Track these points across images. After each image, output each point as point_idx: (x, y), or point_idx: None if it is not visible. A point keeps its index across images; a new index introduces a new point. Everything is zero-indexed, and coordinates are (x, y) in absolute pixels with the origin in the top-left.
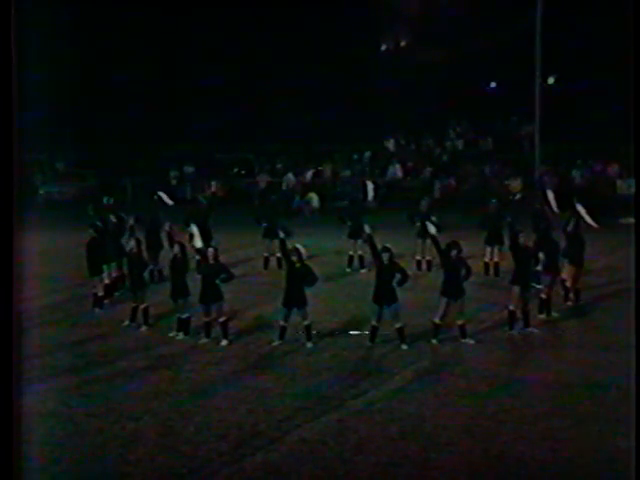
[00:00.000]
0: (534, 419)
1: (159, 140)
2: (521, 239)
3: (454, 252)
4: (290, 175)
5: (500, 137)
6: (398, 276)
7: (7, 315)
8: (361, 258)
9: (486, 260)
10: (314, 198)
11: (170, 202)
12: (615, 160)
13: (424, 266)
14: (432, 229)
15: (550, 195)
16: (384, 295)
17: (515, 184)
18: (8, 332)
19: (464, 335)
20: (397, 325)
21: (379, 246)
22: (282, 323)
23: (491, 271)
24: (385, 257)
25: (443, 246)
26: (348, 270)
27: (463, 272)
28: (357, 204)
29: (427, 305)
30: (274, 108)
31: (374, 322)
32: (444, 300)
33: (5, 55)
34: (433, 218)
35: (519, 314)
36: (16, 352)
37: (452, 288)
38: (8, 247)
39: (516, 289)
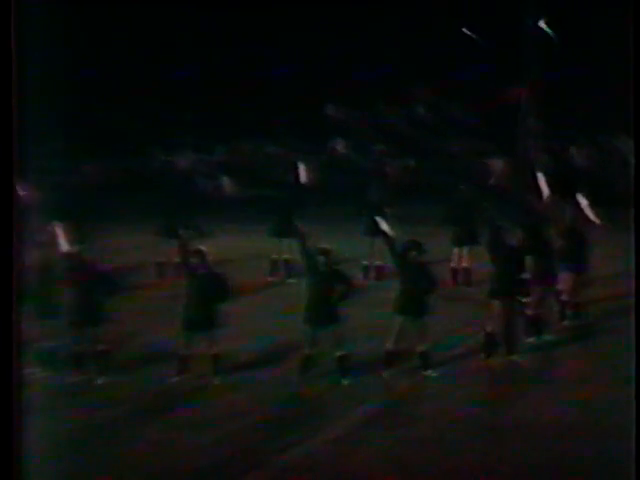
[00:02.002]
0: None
1: None
2: (502, 237)
3: (413, 255)
4: (190, 153)
5: (476, 101)
6: (339, 288)
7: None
8: (288, 263)
9: (453, 265)
10: (227, 182)
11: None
12: (626, 132)
13: (374, 273)
14: (384, 225)
15: (542, 179)
16: (320, 313)
17: (495, 164)
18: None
19: (427, 365)
20: (338, 353)
21: (314, 247)
22: (183, 352)
23: (461, 279)
24: (321, 262)
25: (399, 247)
26: (270, 279)
27: (425, 282)
28: (285, 190)
29: (378, 326)
30: None
31: (306, 349)
32: (400, 319)
33: (5, 55)
34: (386, 210)
35: (500, 337)
36: None
37: (410, 303)
38: (8, 248)
39: (496, 304)
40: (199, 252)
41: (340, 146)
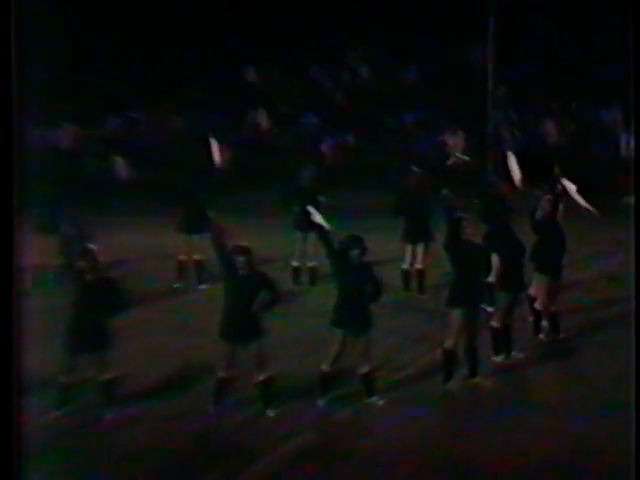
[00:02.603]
0: None
1: None
2: (463, 232)
3: (355, 254)
4: (69, 125)
5: (434, 67)
6: (263, 294)
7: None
8: (199, 265)
9: (405, 267)
10: (120, 162)
11: None
12: (613, 101)
13: (306, 277)
14: (318, 217)
15: (512, 160)
16: (239, 326)
17: (455, 142)
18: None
19: (372, 391)
20: (261, 376)
21: (231, 245)
22: (65, 379)
23: (414, 285)
24: (240, 264)
25: (337, 244)
26: (177, 285)
27: (369, 288)
28: (196, 174)
29: (311, 342)
30: None
31: (222, 372)
32: (339, 334)
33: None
34: (321, 198)
35: (461, 355)
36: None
37: (352, 314)
38: (9, 247)
39: (456, 314)
40: (87, 252)
41: (263, 119)
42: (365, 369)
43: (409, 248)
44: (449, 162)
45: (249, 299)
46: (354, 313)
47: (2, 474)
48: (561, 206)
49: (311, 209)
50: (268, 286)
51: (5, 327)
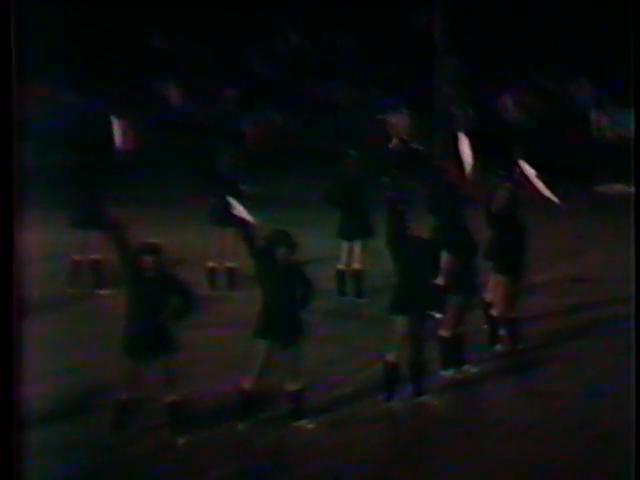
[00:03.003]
0: None
1: None
2: (408, 227)
3: (281, 252)
4: None
5: (374, 35)
6: (174, 301)
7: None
8: (98, 267)
9: (341, 267)
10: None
11: None
12: (583, 73)
13: (225, 279)
14: (239, 209)
15: (464, 143)
16: (144, 339)
17: (398, 121)
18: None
19: (301, 412)
20: (170, 397)
21: (136, 243)
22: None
23: (351, 288)
24: (147, 263)
25: (261, 241)
26: (73, 290)
27: (299, 291)
28: (93, 158)
29: (230, 356)
30: None
31: (125, 393)
32: (263, 346)
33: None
34: (242, 187)
35: (405, 369)
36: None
37: (278, 323)
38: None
39: (399, 322)
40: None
41: (173, 94)
42: (293, 387)
43: (345, 245)
44: (392, 145)
45: (157, 307)
46: (281, 321)
47: None
48: (521, 196)
49: (231, 200)
50: (180, 291)
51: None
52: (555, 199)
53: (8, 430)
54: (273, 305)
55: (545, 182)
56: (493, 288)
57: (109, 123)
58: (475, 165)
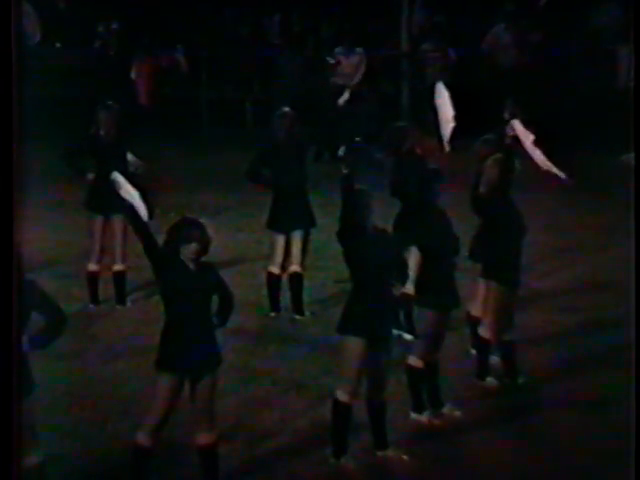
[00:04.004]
0: None
1: None
2: (367, 216)
3: (190, 250)
4: None
5: None
6: (41, 323)
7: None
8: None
9: (274, 269)
10: None
11: None
12: None
13: (110, 287)
14: (126, 187)
15: (442, 95)
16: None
17: (352, 65)
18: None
19: (213, 475)
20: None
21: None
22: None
23: (287, 298)
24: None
25: (161, 235)
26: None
27: (213, 305)
28: None
29: (118, 393)
30: None
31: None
32: (164, 382)
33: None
34: (130, 157)
35: (362, 412)
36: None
37: (184, 348)
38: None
39: (353, 346)
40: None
41: (30, 25)
42: (206, 439)
43: (280, 239)
44: (342, 99)
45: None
46: (188, 346)
47: None
48: (519, 170)
49: (117, 176)
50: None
51: None
52: (561, 174)
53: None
54: (176, 323)
55: (547, 150)
56: (482, 299)
57: None
58: (454, 127)
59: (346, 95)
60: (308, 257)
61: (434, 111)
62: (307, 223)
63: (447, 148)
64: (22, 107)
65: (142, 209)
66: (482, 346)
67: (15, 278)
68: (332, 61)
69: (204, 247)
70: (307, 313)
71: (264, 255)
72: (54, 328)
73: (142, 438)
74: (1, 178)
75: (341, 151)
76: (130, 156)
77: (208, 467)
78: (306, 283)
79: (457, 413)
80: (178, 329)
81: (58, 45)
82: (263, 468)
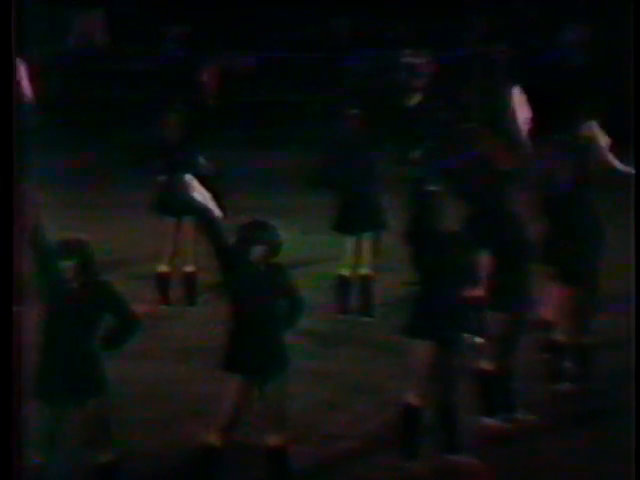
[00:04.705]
0: None
1: None
2: (435, 215)
3: (259, 252)
4: None
5: None
6: (114, 324)
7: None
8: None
9: (343, 272)
10: None
11: None
12: None
13: (178, 290)
14: (198, 189)
15: (518, 98)
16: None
17: (422, 64)
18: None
19: (285, 476)
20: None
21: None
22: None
23: (356, 301)
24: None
25: (230, 235)
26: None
27: (284, 307)
28: None
29: (189, 393)
30: None
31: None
32: (234, 379)
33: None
34: (201, 159)
35: (431, 416)
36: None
37: (252, 350)
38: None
39: (423, 349)
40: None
41: (96, 24)
42: (275, 439)
43: (349, 241)
44: (413, 101)
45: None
46: (255, 347)
47: None
48: (593, 172)
49: (189, 178)
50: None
51: None
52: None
53: None
54: (245, 324)
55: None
56: (556, 303)
57: (12, 65)
58: (530, 129)
59: (417, 98)
60: (378, 259)
61: (507, 113)
62: (377, 225)
63: (526, 150)
64: (22, 108)
65: (215, 210)
66: (555, 350)
67: (15, 279)
68: (404, 61)
69: (273, 249)
70: (376, 315)
71: (332, 257)
72: (127, 329)
73: (212, 438)
74: (1, 178)
75: (415, 153)
76: (200, 158)
77: (277, 469)
78: (376, 285)
79: (530, 418)
80: (245, 330)
81: (128, 49)
82: (332, 471)
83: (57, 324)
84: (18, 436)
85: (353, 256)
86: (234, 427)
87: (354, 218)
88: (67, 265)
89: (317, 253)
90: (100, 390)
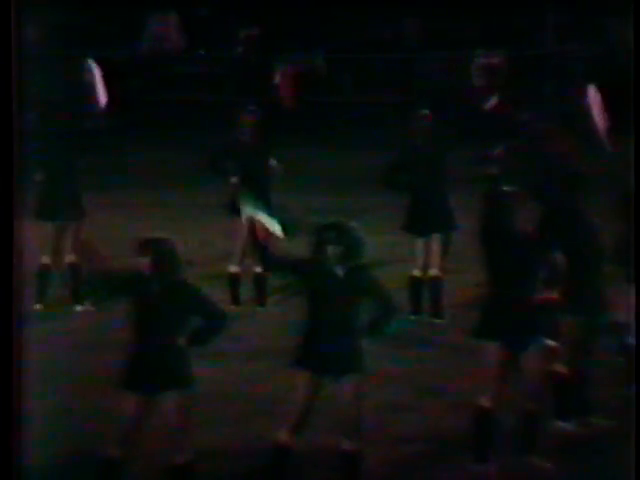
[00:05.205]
0: None
1: None
2: (511, 217)
3: (333, 252)
4: None
5: None
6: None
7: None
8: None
9: (414, 272)
10: None
11: None
12: None
13: (250, 290)
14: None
15: (594, 99)
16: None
17: (496, 64)
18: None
19: (356, 475)
20: (182, 457)
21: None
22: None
23: (426, 302)
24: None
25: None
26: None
27: (374, 310)
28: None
29: (260, 393)
30: None
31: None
32: (303, 377)
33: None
34: (272, 162)
35: (504, 419)
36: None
37: (322, 345)
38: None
39: (495, 352)
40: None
41: (171, 26)
42: (349, 443)
43: (419, 242)
44: (488, 104)
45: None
46: (326, 347)
47: None
48: None
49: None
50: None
51: None
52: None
53: None
54: (319, 325)
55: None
56: (631, 305)
57: (86, 71)
58: (608, 132)
59: (493, 99)
60: (448, 259)
61: (584, 113)
62: (447, 226)
63: (608, 148)
64: (22, 108)
65: (274, 228)
66: (631, 354)
67: (15, 278)
68: (479, 61)
69: (351, 250)
70: (447, 317)
71: (402, 258)
72: (215, 328)
73: (283, 437)
74: (1, 178)
75: (491, 153)
76: (271, 160)
77: (350, 473)
78: (446, 286)
79: (605, 423)
80: (320, 330)
81: (202, 51)
82: (403, 473)
83: (143, 323)
84: (18, 436)
85: (423, 257)
86: (303, 426)
87: (424, 219)
88: (142, 261)
89: (387, 254)
90: (186, 383)
